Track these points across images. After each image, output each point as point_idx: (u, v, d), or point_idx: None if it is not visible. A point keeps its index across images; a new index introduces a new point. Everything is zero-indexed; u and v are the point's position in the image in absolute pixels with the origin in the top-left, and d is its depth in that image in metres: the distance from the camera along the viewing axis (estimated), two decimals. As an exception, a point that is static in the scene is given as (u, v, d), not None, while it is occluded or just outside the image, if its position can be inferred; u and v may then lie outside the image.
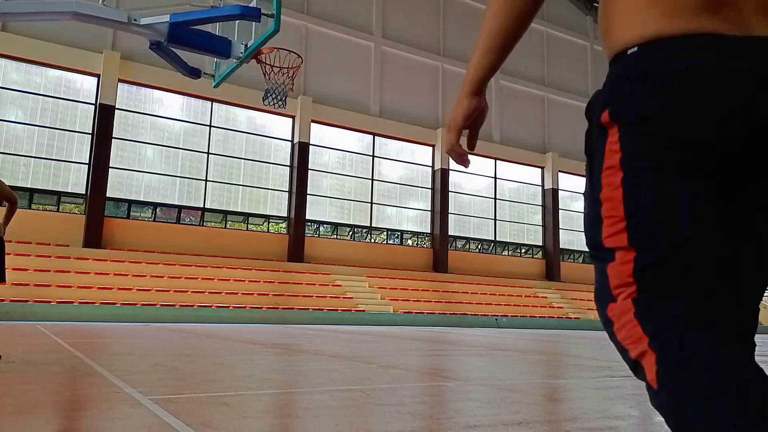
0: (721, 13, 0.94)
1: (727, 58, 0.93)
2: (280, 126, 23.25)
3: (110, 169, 19.70)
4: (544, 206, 29.46)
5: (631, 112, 0.99)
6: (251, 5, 6.81)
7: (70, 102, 19.74)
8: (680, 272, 0.93)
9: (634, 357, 0.95)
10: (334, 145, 24.28)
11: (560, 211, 29.62)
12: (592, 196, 1.05)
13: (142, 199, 20.51)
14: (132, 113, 20.62)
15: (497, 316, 22.19)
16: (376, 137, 25.13)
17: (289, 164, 23.13)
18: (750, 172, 0.96)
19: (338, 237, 24.01)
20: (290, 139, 23.36)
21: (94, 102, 19.89)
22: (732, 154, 0.95)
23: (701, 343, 0.88)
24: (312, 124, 23.38)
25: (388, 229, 24.88)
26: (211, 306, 17.36)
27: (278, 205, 22.88)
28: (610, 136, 1.02)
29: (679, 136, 0.95)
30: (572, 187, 30.72)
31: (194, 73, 7.88)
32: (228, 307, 17.57)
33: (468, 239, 27.02)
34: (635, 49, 1.00)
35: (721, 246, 0.96)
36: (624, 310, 0.98)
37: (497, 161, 28.21)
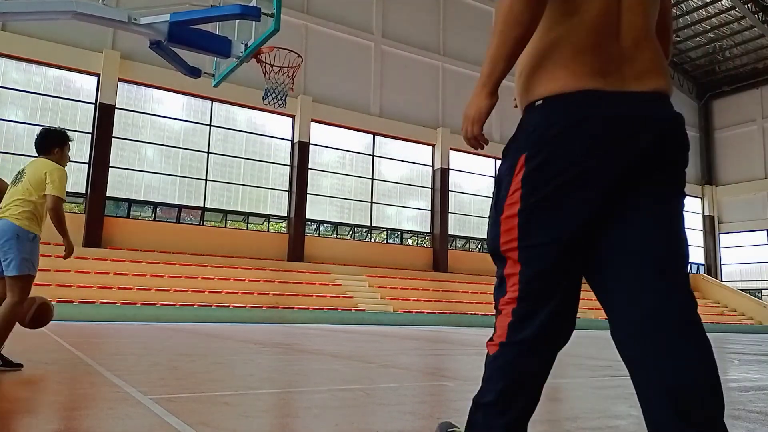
0: (608, 78, 1.34)
1: (610, 108, 1.32)
2: (280, 125, 23.24)
3: (110, 169, 19.69)
4: (544, 206, 29.44)
5: (538, 154, 1.33)
6: (251, 5, 6.81)
7: (70, 101, 19.73)
8: (547, 283, 1.38)
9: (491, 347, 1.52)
10: (334, 144, 24.27)
11: (560, 210, 29.59)
12: (495, 216, 1.44)
13: (142, 199, 20.51)
14: (132, 113, 20.62)
15: (497, 315, 22.18)
16: (376, 137, 25.12)
17: (289, 164, 23.13)
18: (628, 199, 1.34)
19: (338, 236, 24.01)
20: (290, 138, 23.36)
21: (94, 101, 19.88)
22: (612, 187, 1.31)
23: (544, 338, 1.42)
24: (312, 123, 23.37)
25: (388, 229, 24.88)
26: (211, 305, 17.36)
27: (278, 204, 22.88)
28: (516, 174, 1.37)
29: (572, 175, 1.30)
30: (572, 186, 30.69)
31: (194, 72, 7.88)
32: (228, 306, 17.57)
33: (468, 239, 27.02)
34: (542, 101, 1.36)
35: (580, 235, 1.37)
36: (508, 304, 1.48)
37: (497, 160, 28.19)
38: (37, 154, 4.23)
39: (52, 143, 4.22)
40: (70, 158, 4.41)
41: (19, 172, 4.19)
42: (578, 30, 1.37)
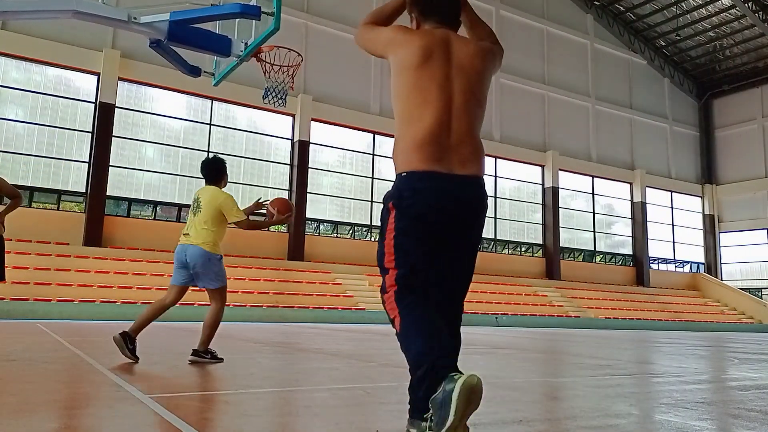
0: (442, 163, 2.06)
1: (440, 183, 2.05)
2: (280, 124, 23.24)
3: (110, 168, 19.68)
4: (544, 204, 29.45)
5: (400, 205, 2.08)
6: (251, 3, 6.80)
7: (70, 100, 19.73)
8: (413, 280, 2.06)
9: (392, 317, 2.08)
10: (335, 143, 24.26)
11: (560, 209, 29.61)
12: (381, 243, 2.14)
13: (142, 198, 20.51)
14: (132, 112, 20.61)
15: (497, 314, 22.20)
16: (376, 136, 25.11)
17: (289, 163, 23.12)
18: (447, 236, 2.11)
19: (338, 235, 24.01)
20: (290, 137, 23.36)
21: (94, 100, 19.87)
22: (439, 229, 2.08)
23: (420, 312, 2.02)
24: (312, 122, 23.36)
25: (388, 228, 24.85)
26: (211, 304, 17.34)
27: (278, 203, 22.85)
28: (391, 215, 2.10)
29: (421, 221, 2.06)
30: (572, 185, 30.71)
31: (194, 71, 7.87)
32: (228, 305, 17.55)
33: (468, 238, 27.00)
34: (404, 173, 2.09)
35: (432, 269, 2.11)
36: (390, 295, 2.09)
37: (497, 159, 28.20)
38: (206, 182, 4.95)
39: (222, 173, 4.99)
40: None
41: (195, 201, 4.91)
42: (423, 131, 2.09)
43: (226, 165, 5.11)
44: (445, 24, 2.34)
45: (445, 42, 2.23)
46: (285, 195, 22.95)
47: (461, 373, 1.85)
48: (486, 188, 2.20)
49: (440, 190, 2.07)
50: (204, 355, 4.79)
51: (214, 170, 4.95)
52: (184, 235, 4.87)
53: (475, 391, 1.81)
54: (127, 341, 4.61)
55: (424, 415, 1.92)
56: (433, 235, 2.10)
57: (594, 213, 31.56)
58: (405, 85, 2.17)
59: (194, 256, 4.74)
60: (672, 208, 34.73)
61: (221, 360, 4.86)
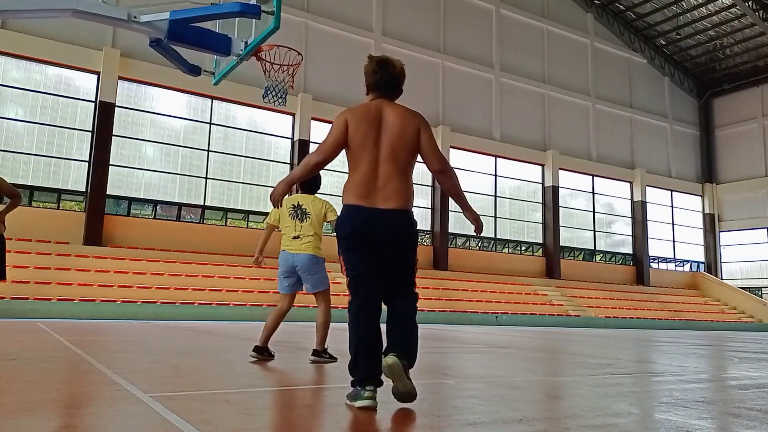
0: (367, 200, 2.90)
1: (363, 214, 2.90)
2: (280, 123, 23.24)
3: (110, 167, 19.69)
4: (544, 204, 29.45)
5: (342, 231, 2.98)
6: (251, 2, 6.80)
7: (70, 99, 19.73)
8: (359, 284, 2.94)
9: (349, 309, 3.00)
10: (335, 142, 24.23)
11: (560, 208, 29.61)
12: (340, 257, 3.04)
13: (142, 197, 20.51)
14: (132, 111, 20.61)
15: (497, 313, 22.20)
16: (376, 135, 25.08)
17: (289, 162, 23.12)
18: (381, 250, 2.92)
19: (338, 234, 24.00)
20: (290, 136, 23.36)
21: (94, 99, 19.87)
22: (373, 245, 2.91)
23: (364, 308, 2.91)
24: (312, 121, 23.36)
25: (388, 227, 24.85)
26: (211, 303, 17.37)
27: (278, 202, 22.85)
28: (339, 234, 3.00)
29: (355, 239, 2.93)
30: (572, 184, 30.70)
31: (194, 70, 7.87)
32: (228, 304, 17.58)
33: (468, 237, 27.02)
34: (343, 206, 2.97)
35: (374, 274, 2.95)
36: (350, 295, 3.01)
37: (497, 158, 28.19)
38: (302, 191, 5.55)
39: (319, 185, 5.76)
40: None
41: (300, 209, 5.37)
42: (357, 176, 2.96)
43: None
44: (382, 96, 3.29)
45: (377, 109, 3.17)
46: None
47: (371, 390, 2.81)
48: (409, 216, 3.01)
49: (362, 219, 2.93)
50: (323, 355, 5.14)
51: (319, 182, 5.66)
52: (293, 239, 5.25)
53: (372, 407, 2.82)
54: (264, 352, 5.12)
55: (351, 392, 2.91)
56: (363, 249, 2.94)
57: (594, 212, 31.56)
58: (350, 144, 3.02)
59: (304, 261, 5.22)
60: (672, 207, 34.73)
61: (335, 359, 5.12)
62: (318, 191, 5.64)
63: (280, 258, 5.26)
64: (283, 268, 5.24)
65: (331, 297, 5.36)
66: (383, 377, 2.86)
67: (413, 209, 3.05)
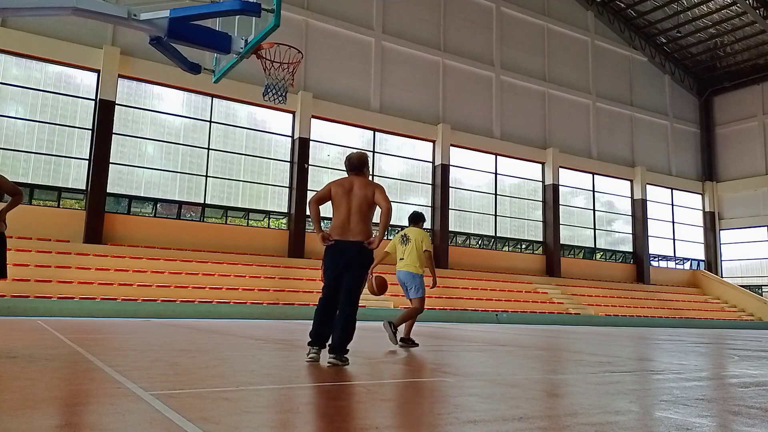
0: (343, 235, 4.89)
1: (340, 244, 4.89)
2: (280, 122, 23.23)
3: (110, 165, 19.69)
4: (544, 202, 29.44)
5: (324, 251, 5.01)
6: (251, 0, 6.79)
7: (71, 97, 19.72)
8: (325, 289, 4.91)
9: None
10: (335, 140, 24.25)
11: (561, 206, 29.60)
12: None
13: (142, 195, 20.51)
14: (132, 109, 20.60)
15: (497, 311, 22.20)
16: (376, 133, 25.11)
17: (289, 160, 23.12)
18: (340, 267, 4.86)
19: (339, 233, 23.99)
20: (290, 134, 23.34)
21: (94, 97, 19.86)
22: (339, 263, 4.87)
23: (324, 303, 4.87)
24: (312, 119, 23.35)
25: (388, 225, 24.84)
26: (211, 301, 17.38)
27: (279, 200, 22.88)
28: (324, 254, 5.05)
29: (327, 257, 4.98)
30: (573, 182, 30.69)
31: (194, 68, 7.87)
32: (229, 302, 17.59)
33: (468, 235, 27.03)
34: (330, 239, 4.94)
35: (336, 278, 4.88)
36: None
37: (498, 157, 28.18)
38: (411, 225, 7.30)
39: (419, 221, 7.31)
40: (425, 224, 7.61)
41: (404, 236, 7.19)
42: (337, 222, 4.90)
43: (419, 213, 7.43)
44: (353, 173, 5.07)
45: (349, 182, 4.97)
46: (285, 192, 22.98)
47: (314, 349, 4.77)
48: (364, 247, 4.83)
49: (338, 247, 4.86)
50: (407, 341, 6.91)
51: (419, 220, 7.30)
52: (400, 260, 7.15)
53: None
54: (409, 341, 6.96)
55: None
56: (333, 266, 4.85)
57: (594, 210, 31.56)
58: (332, 200, 4.97)
59: (407, 277, 7.07)
60: (672, 205, 34.72)
61: (417, 345, 6.99)
62: (419, 225, 7.29)
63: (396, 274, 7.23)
64: (399, 281, 7.18)
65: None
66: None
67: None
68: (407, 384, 3.91)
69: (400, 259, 7.08)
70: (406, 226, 7.35)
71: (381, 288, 6.60)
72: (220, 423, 2.37)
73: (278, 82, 7.96)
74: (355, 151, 5.35)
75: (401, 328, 7.13)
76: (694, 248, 35.34)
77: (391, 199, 4.93)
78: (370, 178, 5.15)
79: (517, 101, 29.12)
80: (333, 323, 4.69)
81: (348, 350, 4.71)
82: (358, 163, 5.07)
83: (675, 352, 7.66)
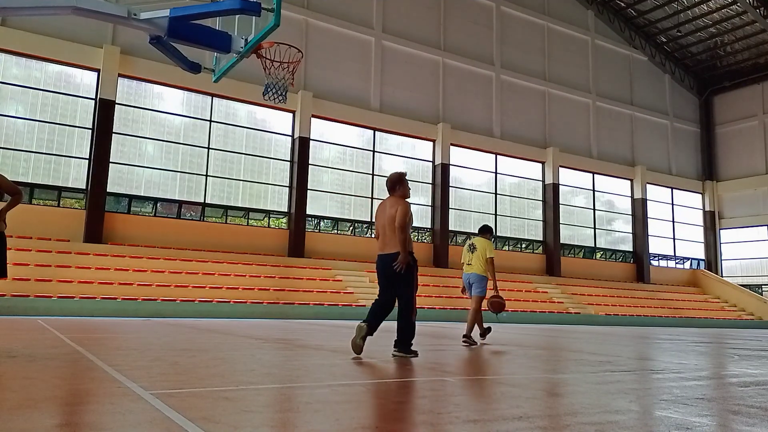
0: (383, 250, 5.65)
1: (381, 256, 5.67)
2: (280, 121, 23.22)
3: (110, 164, 19.69)
4: (544, 201, 29.44)
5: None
6: (251, 0, 6.79)
7: (70, 97, 19.72)
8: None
9: None
10: (335, 140, 24.25)
11: (561, 206, 29.60)
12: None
13: (142, 194, 20.51)
14: (132, 108, 20.60)
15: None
16: (376, 132, 25.11)
17: (289, 159, 23.12)
18: (385, 277, 5.66)
19: (339, 232, 24.02)
20: (290, 134, 23.34)
21: (94, 97, 19.86)
22: (380, 274, 5.69)
23: (374, 301, 5.70)
24: (312, 119, 23.34)
25: (388, 224, 24.84)
26: (211, 301, 17.39)
27: (279, 200, 22.88)
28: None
29: (377, 268, 5.80)
30: (573, 182, 30.69)
31: (194, 68, 7.87)
32: (229, 302, 17.59)
33: (468, 234, 27.02)
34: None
35: (381, 285, 5.70)
36: None
37: (498, 156, 28.18)
38: (480, 235, 8.33)
39: (490, 232, 8.36)
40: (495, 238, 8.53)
41: (471, 245, 8.17)
42: (378, 238, 5.78)
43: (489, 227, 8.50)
44: (389, 194, 5.79)
45: (383, 203, 5.75)
46: (285, 192, 22.99)
47: (362, 324, 5.39)
48: (394, 256, 5.49)
49: (378, 259, 5.64)
50: (469, 339, 7.76)
51: (486, 231, 8.33)
52: (467, 265, 8.14)
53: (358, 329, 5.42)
54: (485, 333, 8.35)
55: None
56: (378, 275, 5.68)
57: (594, 210, 31.56)
58: (375, 218, 5.82)
59: (473, 277, 8.06)
60: (672, 204, 34.72)
61: (476, 344, 7.74)
62: (488, 237, 8.28)
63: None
64: (464, 281, 8.16)
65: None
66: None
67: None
68: (407, 383, 3.91)
69: (468, 264, 8.12)
70: (476, 234, 8.43)
71: (496, 308, 8.13)
72: (220, 422, 2.37)
73: (278, 81, 7.96)
74: (392, 171, 6.06)
75: (475, 330, 8.23)
76: (694, 247, 35.34)
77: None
78: (403, 193, 5.73)
79: (517, 100, 29.11)
80: (379, 318, 5.48)
81: (411, 344, 5.56)
82: (389, 184, 5.78)
83: (675, 352, 7.66)
